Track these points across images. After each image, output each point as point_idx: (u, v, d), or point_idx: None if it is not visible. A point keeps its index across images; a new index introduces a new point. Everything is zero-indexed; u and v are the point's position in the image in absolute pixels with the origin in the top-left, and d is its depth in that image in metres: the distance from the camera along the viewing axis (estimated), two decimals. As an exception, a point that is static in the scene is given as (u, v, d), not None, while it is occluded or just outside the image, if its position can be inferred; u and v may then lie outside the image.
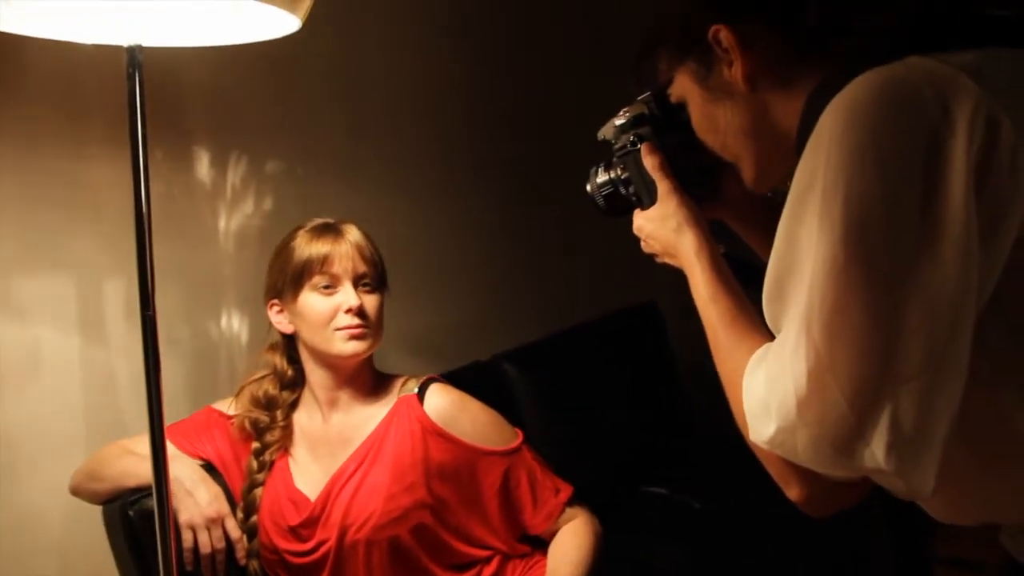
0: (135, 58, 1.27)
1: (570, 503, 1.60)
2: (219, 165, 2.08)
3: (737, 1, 0.93)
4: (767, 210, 1.16)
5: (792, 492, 0.87)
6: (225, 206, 2.09)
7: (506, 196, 2.69)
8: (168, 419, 1.91)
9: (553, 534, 1.60)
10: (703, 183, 1.11)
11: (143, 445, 1.62)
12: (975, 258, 0.75)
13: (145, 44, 1.29)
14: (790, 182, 0.87)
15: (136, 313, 1.93)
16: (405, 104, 2.44)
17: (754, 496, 2.17)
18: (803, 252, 0.80)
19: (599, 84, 2.90)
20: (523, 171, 2.76)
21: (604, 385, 2.34)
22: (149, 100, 1.97)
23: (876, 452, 0.76)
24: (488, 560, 1.58)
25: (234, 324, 2.12)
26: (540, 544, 1.62)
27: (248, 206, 2.15)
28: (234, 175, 2.12)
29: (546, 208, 2.80)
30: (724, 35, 0.93)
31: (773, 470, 0.88)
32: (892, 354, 0.75)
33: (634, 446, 2.32)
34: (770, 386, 0.82)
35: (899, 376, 0.75)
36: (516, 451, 1.58)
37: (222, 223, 2.09)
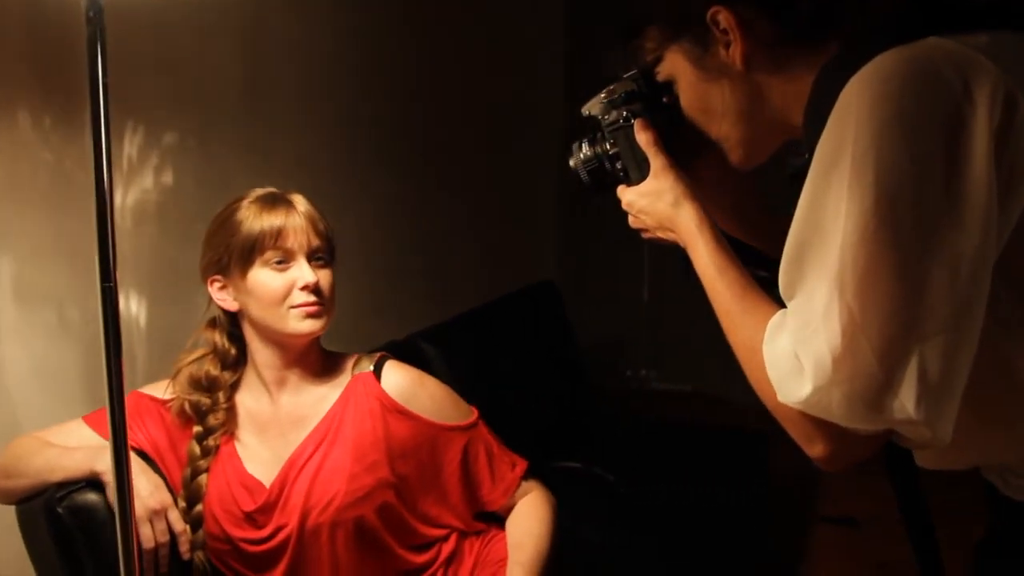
0: (97, 2, 1.15)
1: (525, 477, 1.60)
2: (115, 135, 1.90)
3: None
4: (738, 190, 1.21)
5: (816, 449, 0.89)
6: (121, 179, 1.94)
7: (405, 179, 2.66)
8: (62, 410, 1.77)
9: (509, 510, 1.59)
10: (686, 160, 1.12)
11: (60, 435, 1.50)
12: (995, 224, 0.82)
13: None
14: (808, 156, 0.92)
15: (27, 297, 1.78)
16: (308, 84, 2.37)
17: (663, 468, 2.27)
18: (829, 219, 0.84)
19: (502, 70, 2.93)
20: (422, 154, 2.73)
21: (514, 362, 2.35)
22: (38, 59, 1.81)
23: (906, 403, 0.81)
24: (446, 538, 1.56)
25: (132, 306, 1.98)
26: (496, 520, 1.61)
27: (146, 180, 2.01)
28: (130, 146, 1.97)
29: (444, 191, 2.78)
30: (724, 16, 0.95)
31: (797, 430, 0.90)
32: (920, 311, 0.81)
33: (544, 422, 2.35)
34: (801, 348, 0.85)
35: (926, 332, 0.81)
36: (474, 426, 1.56)
37: (118, 197, 1.94)
